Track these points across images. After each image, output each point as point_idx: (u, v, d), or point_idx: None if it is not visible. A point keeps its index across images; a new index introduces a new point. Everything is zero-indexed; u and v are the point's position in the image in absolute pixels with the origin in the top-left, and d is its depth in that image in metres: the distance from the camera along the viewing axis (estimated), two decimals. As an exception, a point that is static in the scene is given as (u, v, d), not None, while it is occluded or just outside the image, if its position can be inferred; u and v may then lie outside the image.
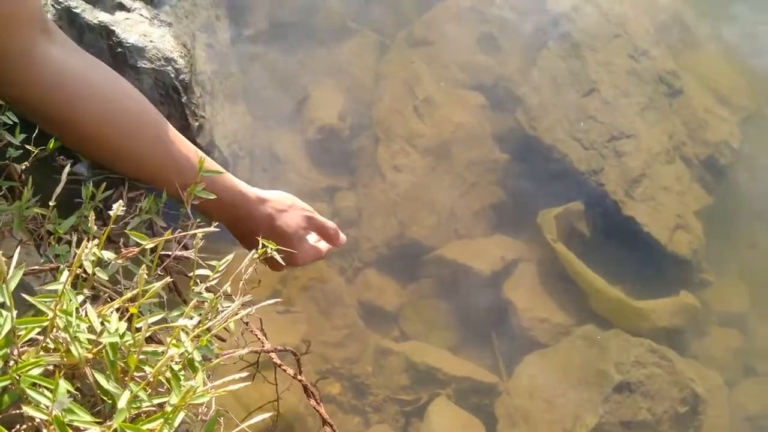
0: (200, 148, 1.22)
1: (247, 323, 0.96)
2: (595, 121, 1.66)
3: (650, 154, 1.66)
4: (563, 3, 1.89)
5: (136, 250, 0.66)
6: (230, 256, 0.88)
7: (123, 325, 0.62)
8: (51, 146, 0.97)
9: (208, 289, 0.85)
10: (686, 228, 1.60)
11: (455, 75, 1.76)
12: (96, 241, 0.61)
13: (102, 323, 0.63)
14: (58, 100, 0.78)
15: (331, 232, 1.18)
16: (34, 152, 0.97)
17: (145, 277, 0.58)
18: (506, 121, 1.73)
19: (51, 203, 0.68)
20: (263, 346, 0.87)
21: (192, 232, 0.70)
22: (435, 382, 1.39)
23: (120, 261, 0.67)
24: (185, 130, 1.23)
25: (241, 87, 1.53)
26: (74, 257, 0.70)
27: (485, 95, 1.75)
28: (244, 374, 0.61)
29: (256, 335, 0.94)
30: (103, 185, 0.80)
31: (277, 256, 0.86)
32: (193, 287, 0.72)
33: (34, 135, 0.97)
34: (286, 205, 1.07)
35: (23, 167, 1.02)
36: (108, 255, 0.68)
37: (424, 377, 1.40)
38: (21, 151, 0.99)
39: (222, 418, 0.88)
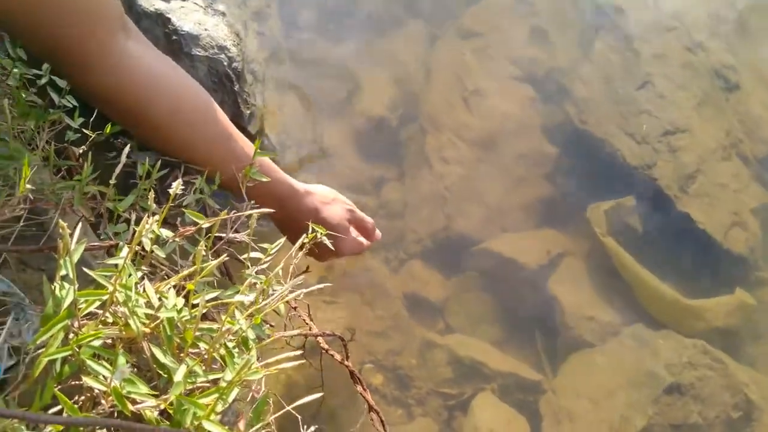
0: (250, 135, 1.24)
1: (294, 308, 0.97)
2: (649, 115, 1.62)
3: (705, 150, 1.61)
4: (616, -6, 1.86)
5: (193, 228, 0.67)
6: (282, 240, 0.88)
7: (180, 301, 0.62)
8: (108, 130, 0.99)
9: (259, 272, 0.85)
10: (743, 225, 1.55)
11: (505, 67, 1.74)
12: (156, 218, 0.62)
13: (159, 299, 0.64)
14: (133, 93, 0.80)
15: (369, 226, 1.20)
16: (91, 136, 1.00)
17: (202, 253, 0.58)
18: (556, 114, 1.70)
19: (111, 182, 0.69)
20: (310, 329, 0.87)
21: (247, 212, 0.71)
22: (480, 376, 1.38)
23: (177, 239, 0.67)
24: (237, 117, 1.24)
25: (291, 76, 1.54)
26: (133, 235, 0.71)
27: (535, 87, 1.72)
28: (298, 352, 0.61)
29: (303, 320, 0.95)
30: (158, 164, 0.81)
31: (327, 241, 0.86)
32: (244, 270, 0.73)
33: (91, 119, 1.00)
34: (330, 198, 1.09)
35: (81, 150, 1.04)
36: (165, 233, 0.69)
37: (468, 371, 1.38)
38: (79, 134, 1.02)
39: (270, 399, 0.88)
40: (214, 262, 0.63)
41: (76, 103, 1.02)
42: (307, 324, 0.95)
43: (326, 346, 0.89)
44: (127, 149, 0.77)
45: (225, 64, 1.20)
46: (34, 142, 0.98)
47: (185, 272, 0.64)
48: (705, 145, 1.57)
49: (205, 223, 0.67)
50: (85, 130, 1.00)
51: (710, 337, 1.38)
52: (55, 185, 0.72)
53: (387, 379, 1.38)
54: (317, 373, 1.05)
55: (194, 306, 0.62)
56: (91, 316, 0.66)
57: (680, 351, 1.35)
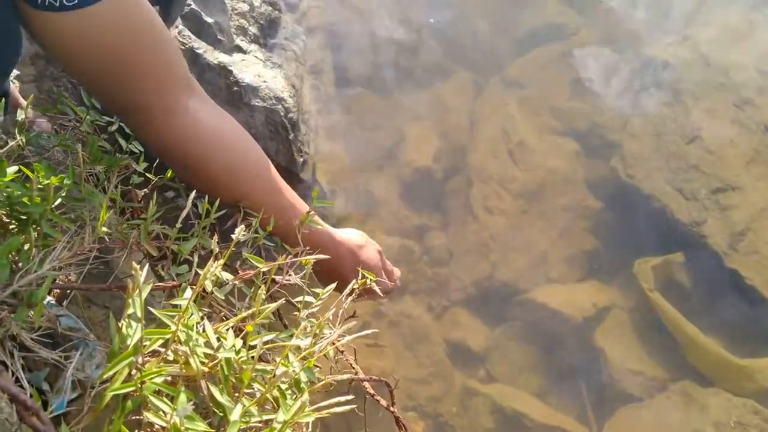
0: (303, 182, 1.28)
1: (342, 351, 0.99)
2: (698, 171, 1.62)
3: (756, 209, 1.59)
4: (662, 48, 1.88)
5: (252, 272, 0.70)
6: (333, 285, 0.91)
7: (239, 342, 0.65)
8: (168, 175, 1.05)
9: (309, 316, 0.88)
10: (795, 284, 1.51)
11: (548, 120, 1.77)
12: (219, 262, 0.66)
13: (218, 339, 0.67)
14: (193, 148, 0.85)
15: (390, 268, 1.23)
16: (153, 180, 1.06)
17: (263, 296, 0.62)
18: (600, 168, 1.71)
19: (177, 225, 0.74)
20: (357, 374, 0.89)
21: (305, 258, 0.74)
22: (522, 428, 1.36)
23: (237, 282, 0.71)
24: (291, 164, 1.30)
25: (341, 127, 1.59)
26: (195, 276, 0.75)
27: (579, 141, 1.74)
28: (350, 397, 0.63)
29: (350, 364, 0.97)
30: (216, 203, 0.85)
31: (377, 288, 0.89)
32: (299, 313, 0.76)
33: (155, 164, 1.06)
34: (363, 242, 1.12)
35: (143, 192, 1.10)
36: (226, 276, 0.72)
37: (510, 422, 1.37)
38: (143, 178, 1.08)
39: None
40: (272, 305, 0.66)
41: (141, 149, 1.08)
42: (353, 368, 0.97)
43: (372, 391, 0.91)
44: (193, 194, 0.81)
45: (282, 114, 1.26)
46: (101, 184, 1.05)
47: (243, 314, 0.68)
48: (755, 203, 1.55)
49: (264, 268, 0.70)
50: (148, 174, 1.06)
51: (760, 397, 1.34)
52: (121, 225, 0.77)
53: (428, 426, 1.38)
54: (359, 417, 1.07)
55: (251, 347, 0.65)
56: (153, 354, 0.69)
57: (729, 410, 1.31)
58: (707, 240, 1.54)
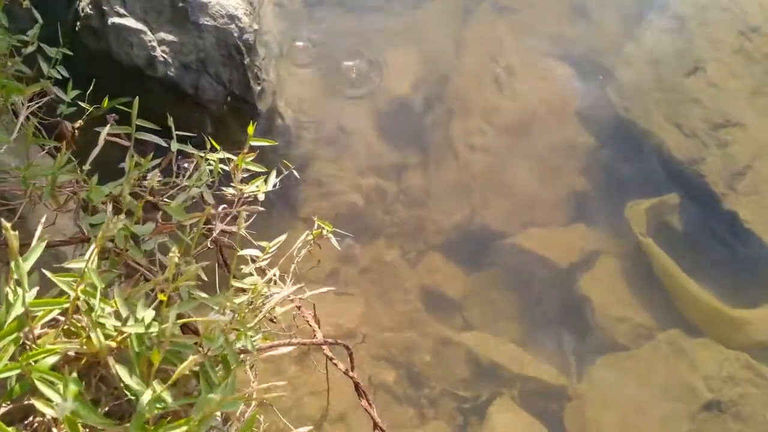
0: (260, 114, 1.14)
1: (299, 308, 0.88)
2: (698, 105, 1.49)
3: (759, 145, 1.47)
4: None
5: (173, 225, 0.58)
6: (282, 237, 0.79)
7: (150, 314, 0.54)
8: (105, 104, 0.91)
9: (257, 270, 0.77)
10: (796, 228, 1.41)
11: (541, 45, 1.61)
12: (123, 215, 0.53)
13: (131, 309, 0.56)
14: None
15: None
16: (88, 110, 0.92)
17: (176, 260, 0.50)
18: (595, 99, 1.57)
19: (85, 167, 0.61)
20: (314, 337, 0.78)
21: (238, 209, 0.62)
22: (498, 379, 1.29)
23: (157, 237, 0.59)
24: (246, 93, 1.15)
25: (310, 50, 1.44)
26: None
27: (573, 68, 1.59)
28: (282, 383, 0.53)
29: (307, 322, 0.86)
30: (151, 155, 0.73)
31: (334, 240, 0.78)
32: (233, 274, 0.64)
33: (88, 92, 0.92)
34: None
35: (77, 125, 0.97)
36: (144, 230, 0.60)
37: (486, 373, 1.29)
38: (74, 108, 0.94)
39: (261, 416, 0.80)
40: (192, 267, 0.54)
41: (67, 75, 0.93)
42: (311, 326, 0.86)
43: (330, 354, 0.80)
44: (107, 129, 0.68)
45: (235, 34, 1.11)
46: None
47: (160, 278, 0.56)
48: (758, 138, 1.43)
49: (188, 221, 0.58)
50: (81, 103, 0.92)
51: (753, 350, 1.26)
52: (26, 170, 0.64)
53: (400, 376, 1.29)
54: (322, 375, 0.98)
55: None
56: (54, 323, 0.58)
57: (720, 363, 1.24)
58: (705, 179, 1.42)
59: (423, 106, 1.53)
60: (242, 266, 0.77)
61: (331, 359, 0.83)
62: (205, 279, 0.68)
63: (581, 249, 1.41)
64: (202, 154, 0.85)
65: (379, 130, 1.49)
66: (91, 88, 0.96)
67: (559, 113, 1.52)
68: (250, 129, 0.72)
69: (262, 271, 0.78)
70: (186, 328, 0.63)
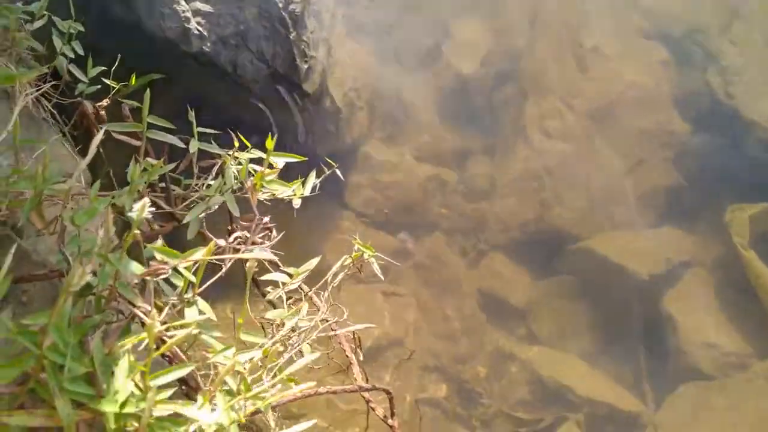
0: (306, 96, 1.01)
1: (334, 331, 0.76)
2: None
3: None
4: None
5: (163, 266, 0.46)
6: (314, 261, 0.67)
7: (126, 388, 0.42)
8: (133, 81, 0.80)
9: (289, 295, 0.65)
10: None
11: (633, 21, 1.40)
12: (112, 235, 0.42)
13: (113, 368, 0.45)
14: None
15: None
16: (115, 88, 0.82)
17: (155, 328, 0.38)
18: (693, 82, 1.36)
19: (78, 173, 0.49)
20: (354, 378, 0.66)
21: (251, 238, 0.50)
22: (563, 402, 1.14)
23: (150, 278, 0.47)
24: (292, 72, 1.02)
25: (366, 22, 1.28)
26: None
27: (669, 49, 1.38)
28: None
29: (345, 354, 0.74)
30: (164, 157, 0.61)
31: (377, 268, 0.65)
32: (241, 326, 0.52)
33: (113, 68, 0.82)
34: None
35: (103, 104, 0.86)
36: (133, 270, 0.48)
37: (550, 394, 1.15)
38: (99, 86, 0.84)
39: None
40: (174, 339, 0.43)
41: (82, 52, 0.82)
42: (347, 356, 0.74)
43: (369, 398, 0.68)
44: (100, 135, 0.56)
45: (280, 5, 0.97)
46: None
47: (132, 339, 0.44)
48: None
49: (180, 263, 0.46)
50: (106, 80, 0.82)
51: None
52: (8, 180, 0.53)
53: (451, 391, 1.16)
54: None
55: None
56: (21, 382, 0.48)
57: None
58: (824, 184, 1.21)
59: (492, 85, 1.36)
60: (269, 289, 0.65)
61: (369, 402, 0.70)
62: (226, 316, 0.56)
63: (667, 258, 1.23)
64: (230, 154, 0.73)
65: (440, 112, 1.33)
66: (116, 64, 0.84)
67: (650, 98, 1.33)
68: (269, 143, 0.59)
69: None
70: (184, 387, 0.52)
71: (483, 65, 1.34)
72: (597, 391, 1.16)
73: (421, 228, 1.23)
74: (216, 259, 0.53)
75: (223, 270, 0.52)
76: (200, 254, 0.49)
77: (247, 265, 0.48)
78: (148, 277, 0.47)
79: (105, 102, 0.85)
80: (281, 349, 0.63)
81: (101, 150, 0.80)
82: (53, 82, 0.79)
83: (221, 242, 0.56)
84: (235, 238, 0.57)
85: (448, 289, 1.23)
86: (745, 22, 1.36)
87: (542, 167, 1.28)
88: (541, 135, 1.30)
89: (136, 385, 0.46)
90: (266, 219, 0.63)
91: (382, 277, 0.69)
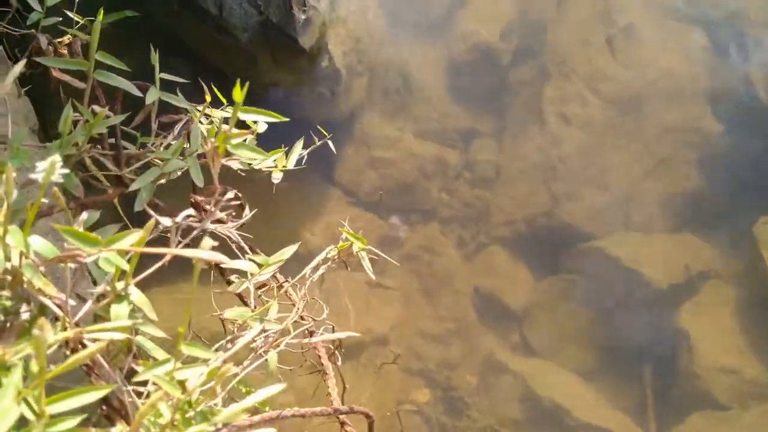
0: (302, 52, 0.87)
1: (311, 333, 0.64)
2: None
3: None
4: None
5: (82, 254, 0.33)
6: (289, 250, 0.54)
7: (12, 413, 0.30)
8: (101, 17, 0.66)
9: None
10: None
11: (672, 2, 1.27)
12: None
13: None
14: None
15: None
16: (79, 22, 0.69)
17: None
18: (731, 75, 1.23)
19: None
20: (330, 401, 0.55)
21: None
22: (557, 424, 1.03)
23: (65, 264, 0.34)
24: (286, 24, 0.88)
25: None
26: None
27: (709, 35, 1.24)
28: None
29: (323, 372, 0.62)
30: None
31: (366, 262, 0.54)
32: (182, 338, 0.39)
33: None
34: None
35: (64, 41, 0.75)
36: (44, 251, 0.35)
37: (543, 414, 1.04)
38: (59, 19, 0.72)
39: None
40: (76, 356, 0.30)
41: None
42: (321, 369, 0.62)
43: (346, 420, 0.57)
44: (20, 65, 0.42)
45: (275, -58, 0.82)
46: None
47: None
48: None
49: (99, 253, 0.33)
50: (70, 13, 0.68)
51: None
52: None
53: (435, 398, 1.05)
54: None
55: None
56: None
57: None
58: None
59: (510, 59, 1.23)
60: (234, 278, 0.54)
61: (343, 425, 0.58)
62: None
63: (686, 267, 1.11)
64: (199, 109, 0.59)
65: (449, 86, 1.20)
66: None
67: (682, 89, 1.20)
68: (237, 93, 0.46)
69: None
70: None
71: (502, 38, 1.21)
72: (595, 415, 1.05)
73: (417, 213, 1.12)
74: (155, 248, 0.40)
75: (165, 260, 0.39)
76: (130, 241, 0.36)
77: (194, 258, 0.35)
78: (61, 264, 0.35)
79: (67, 39, 0.72)
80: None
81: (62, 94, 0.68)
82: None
83: (166, 221, 0.44)
84: (187, 216, 0.44)
85: (440, 283, 1.11)
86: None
87: (557, 156, 1.16)
88: (559, 121, 1.18)
89: (31, 409, 0.34)
90: (231, 194, 0.51)
91: (373, 277, 0.57)
